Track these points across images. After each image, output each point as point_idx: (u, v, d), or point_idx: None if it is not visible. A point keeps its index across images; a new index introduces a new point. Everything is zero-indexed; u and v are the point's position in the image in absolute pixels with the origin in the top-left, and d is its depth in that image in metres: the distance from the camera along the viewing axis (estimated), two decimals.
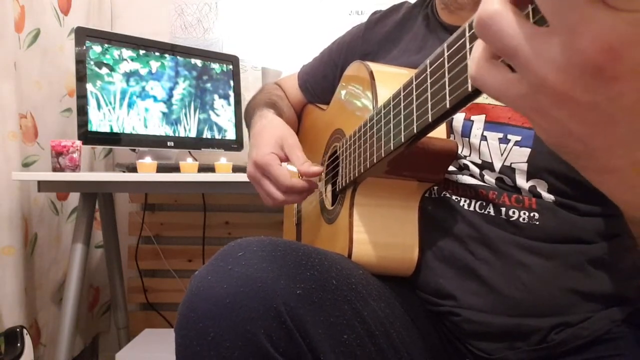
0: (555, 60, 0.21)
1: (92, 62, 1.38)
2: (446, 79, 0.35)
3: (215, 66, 1.63)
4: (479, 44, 0.26)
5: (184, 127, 1.55)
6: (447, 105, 0.36)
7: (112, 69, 1.42)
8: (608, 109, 0.22)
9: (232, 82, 1.66)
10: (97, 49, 1.40)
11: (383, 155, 0.51)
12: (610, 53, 0.20)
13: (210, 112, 1.61)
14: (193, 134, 1.57)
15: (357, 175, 0.59)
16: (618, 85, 0.21)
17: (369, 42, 0.82)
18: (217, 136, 1.62)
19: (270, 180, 0.69)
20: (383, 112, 0.51)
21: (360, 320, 0.51)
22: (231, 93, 1.66)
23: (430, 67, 0.38)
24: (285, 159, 0.71)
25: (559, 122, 0.24)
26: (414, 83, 0.42)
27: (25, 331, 1.16)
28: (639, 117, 0.22)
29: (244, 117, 0.97)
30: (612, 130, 0.22)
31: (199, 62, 1.60)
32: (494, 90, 0.25)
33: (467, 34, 0.32)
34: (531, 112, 0.24)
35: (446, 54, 0.35)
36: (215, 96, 1.63)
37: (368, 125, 0.56)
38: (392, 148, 0.49)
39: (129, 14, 1.79)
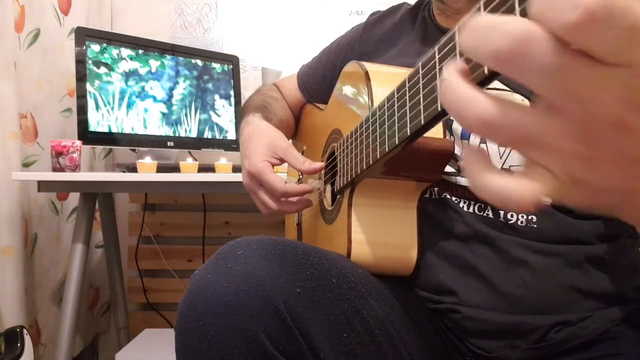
0: (574, 132, 0.21)
1: (90, 61, 1.38)
2: (437, 82, 0.36)
3: (216, 66, 1.64)
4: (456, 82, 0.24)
5: (185, 130, 1.55)
6: (439, 108, 0.36)
7: (110, 68, 1.42)
8: (635, 151, 0.22)
9: (232, 82, 1.67)
10: (95, 47, 1.40)
11: (379, 156, 0.51)
12: (625, 106, 0.20)
13: (211, 113, 1.61)
14: (194, 135, 1.57)
15: (354, 175, 0.60)
16: (637, 129, 0.21)
17: (367, 42, 0.82)
18: (218, 137, 1.62)
19: (264, 189, 0.69)
20: (378, 113, 0.51)
21: (359, 319, 0.51)
22: (231, 93, 1.66)
23: (422, 69, 0.38)
24: (279, 163, 0.71)
25: (593, 186, 0.23)
26: (407, 85, 0.42)
27: (25, 331, 1.16)
28: None
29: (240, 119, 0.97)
30: None
31: (199, 62, 1.60)
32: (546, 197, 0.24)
33: (457, 37, 0.32)
34: (564, 189, 0.24)
35: (437, 57, 0.35)
36: (216, 96, 1.63)
37: (364, 126, 0.56)
38: (387, 149, 0.49)
39: (129, 14, 1.80)
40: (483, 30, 0.21)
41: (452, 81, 0.24)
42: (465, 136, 0.61)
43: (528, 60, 0.20)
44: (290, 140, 0.87)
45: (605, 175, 0.23)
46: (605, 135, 0.21)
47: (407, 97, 0.42)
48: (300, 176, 0.88)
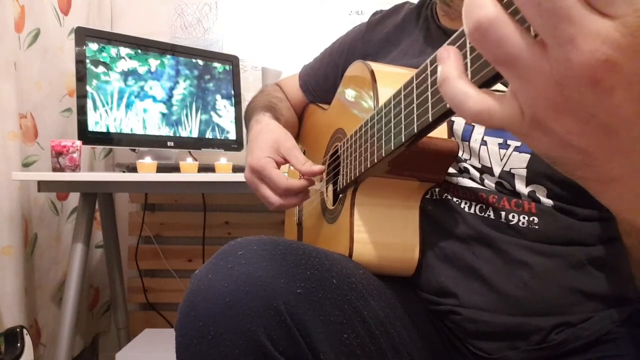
0: (552, 73, 0.21)
1: (88, 61, 1.38)
2: None
3: (217, 65, 1.63)
4: (457, 83, 0.26)
5: (186, 131, 1.55)
6: (447, 105, 0.36)
7: (109, 67, 1.42)
8: (606, 119, 0.21)
9: (232, 82, 1.67)
10: (94, 46, 1.40)
11: (384, 155, 0.51)
12: (606, 64, 0.20)
13: (212, 113, 1.61)
14: (194, 136, 1.57)
15: (358, 175, 0.59)
16: (615, 96, 0.20)
17: (369, 43, 0.82)
18: (219, 137, 1.62)
19: (267, 184, 0.69)
20: (384, 111, 0.51)
21: (360, 319, 0.51)
22: (232, 93, 1.66)
23: (430, 66, 0.38)
24: (283, 162, 0.71)
25: (557, 135, 0.23)
26: (415, 82, 0.42)
27: (25, 331, 1.16)
28: (637, 125, 0.22)
29: (244, 119, 0.97)
30: (612, 140, 0.22)
31: (200, 61, 1.60)
32: (487, 119, 0.25)
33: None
34: (527, 128, 0.24)
35: None
36: (218, 96, 1.63)
37: (369, 124, 0.56)
38: (392, 148, 0.48)
39: (129, 14, 1.79)
40: None
41: None
42: (466, 137, 0.61)
43: None
44: None
45: (567, 128, 0.23)
46: (579, 87, 0.21)
47: (414, 95, 0.42)
48: (301, 176, 0.88)
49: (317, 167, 0.67)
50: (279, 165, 0.70)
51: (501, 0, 0.24)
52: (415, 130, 0.42)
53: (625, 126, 0.22)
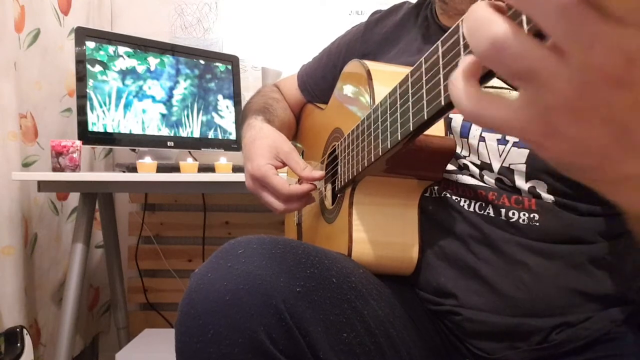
0: (572, 78, 0.21)
1: (85, 60, 1.38)
2: (441, 75, 0.35)
3: (219, 64, 1.63)
4: (459, 76, 0.26)
5: (187, 133, 1.54)
6: (442, 102, 0.36)
7: (105, 66, 1.42)
8: (624, 118, 0.22)
9: (232, 82, 1.67)
10: (91, 44, 1.39)
11: (380, 153, 0.51)
12: (626, 61, 0.20)
13: (214, 114, 1.61)
14: (196, 137, 1.57)
15: (355, 174, 0.59)
16: (634, 92, 0.21)
17: (368, 42, 0.82)
18: (221, 137, 1.62)
19: (269, 191, 0.69)
20: (380, 110, 0.51)
21: (360, 319, 0.51)
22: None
23: (425, 63, 0.38)
24: (282, 166, 0.71)
25: (574, 141, 0.23)
26: (410, 80, 0.42)
27: (25, 331, 1.16)
28: None
29: (241, 121, 0.97)
30: (627, 139, 0.22)
31: (201, 60, 1.60)
32: (498, 124, 0.24)
33: (461, 30, 0.32)
34: (541, 137, 0.24)
35: (440, 51, 0.35)
36: (220, 96, 1.62)
37: (365, 123, 0.56)
38: (389, 146, 0.48)
39: (129, 14, 1.80)
40: None
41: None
42: (464, 134, 0.61)
43: None
44: (291, 142, 0.87)
45: (585, 132, 0.22)
46: (601, 88, 0.21)
47: (409, 93, 0.42)
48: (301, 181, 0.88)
49: (318, 173, 0.67)
50: (278, 169, 0.70)
51: (505, 13, 0.23)
52: (411, 129, 0.43)
53: None
